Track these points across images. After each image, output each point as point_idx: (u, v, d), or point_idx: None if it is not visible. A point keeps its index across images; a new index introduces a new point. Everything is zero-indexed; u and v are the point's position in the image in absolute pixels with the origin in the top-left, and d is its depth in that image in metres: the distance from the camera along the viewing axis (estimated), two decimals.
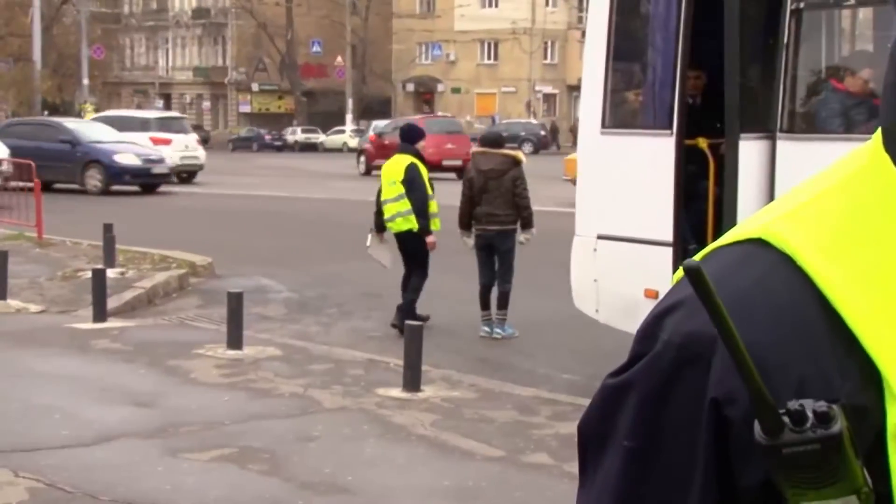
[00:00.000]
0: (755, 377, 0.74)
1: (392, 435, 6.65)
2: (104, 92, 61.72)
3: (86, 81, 44.80)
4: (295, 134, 62.85)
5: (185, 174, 30.24)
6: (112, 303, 10.55)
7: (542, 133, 52.13)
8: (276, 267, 13.89)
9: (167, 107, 72.30)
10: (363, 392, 7.61)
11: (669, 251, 7.39)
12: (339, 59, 61.38)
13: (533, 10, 62.64)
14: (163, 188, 26.61)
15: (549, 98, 65.54)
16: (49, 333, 9.54)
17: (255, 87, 72.74)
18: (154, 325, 10.43)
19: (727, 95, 7.20)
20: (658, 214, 7.48)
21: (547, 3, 63.98)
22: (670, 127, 7.54)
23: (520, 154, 10.71)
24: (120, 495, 5.53)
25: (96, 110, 39.59)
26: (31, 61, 39.17)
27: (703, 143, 7.65)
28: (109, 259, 12.69)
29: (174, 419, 6.88)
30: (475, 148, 10.61)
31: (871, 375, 0.78)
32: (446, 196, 10.23)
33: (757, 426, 0.75)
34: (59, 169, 25.11)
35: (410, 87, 67.71)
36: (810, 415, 0.74)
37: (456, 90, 65.54)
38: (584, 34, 9.06)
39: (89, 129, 27.89)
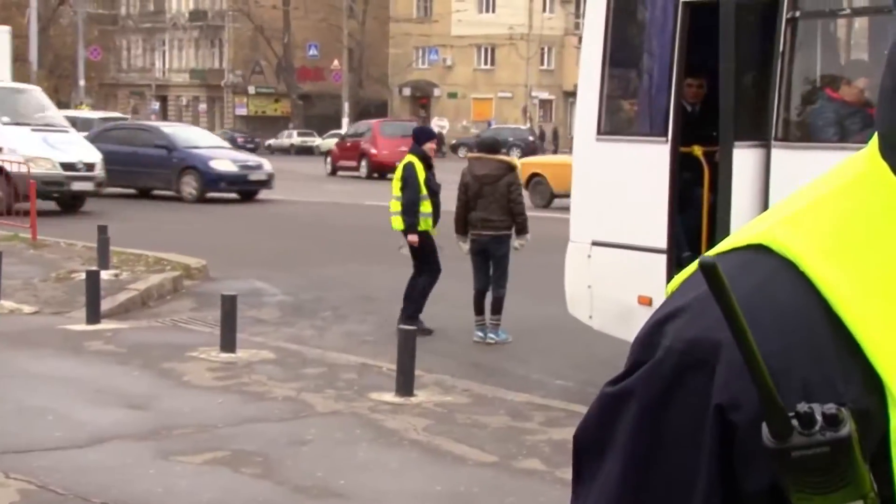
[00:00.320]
0: (767, 379, 0.74)
1: (385, 439, 6.65)
2: (100, 94, 61.67)
3: (82, 83, 44.74)
4: (291, 137, 62.86)
5: None
6: (106, 304, 10.55)
7: (531, 139, 52.23)
8: (271, 270, 13.89)
9: (163, 109, 72.33)
10: (356, 396, 7.62)
11: (664, 258, 7.41)
12: (336, 62, 61.39)
13: (530, 15, 62.70)
14: (262, 195, 25.37)
15: (545, 104, 65.59)
16: (42, 335, 9.54)
17: (251, 89, 72.75)
18: (148, 327, 10.42)
19: (722, 103, 7.21)
20: (653, 221, 7.50)
21: (544, 9, 64.06)
22: (665, 134, 7.56)
23: (515, 160, 10.74)
24: (112, 497, 5.53)
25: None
26: (28, 62, 39.11)
27: (697, 150, 7.67)
28: (103, 261, 12.68)
29: (167, 422, 6.88)
30: (471, 153, 10.63)
31: (873, 380, 0.78)
32: (443, 201, 10.20)
33: (765, 429, 0.75)
34: (155, 175, 24.63)
35: (407, 91, 67.74)
36: (819, 417, 0.74)
37: (452, 95, 65.59)
38: (580, 40, 9.08)
39: (186, 133, 27.11)
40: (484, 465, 6.24)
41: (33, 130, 20.12)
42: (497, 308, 9.96)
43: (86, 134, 25.37)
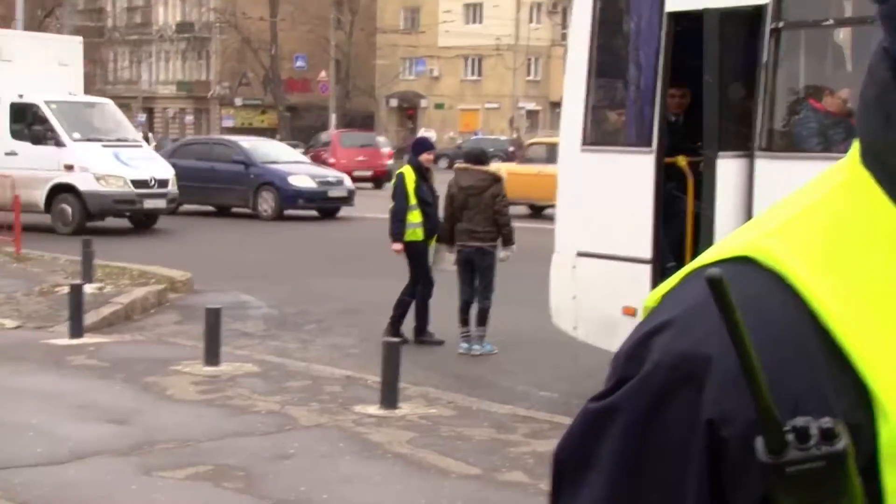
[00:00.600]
0: (766, 395, 0.73)
1: (368, 452, 6.61)
2: None
3: None
4: None
5: None
6: (89, 318, 10.50)
7: (511, 149, 52.30)
8: (256, 282, 13.86)
9: (150, 121, 72.17)
10: (340, 409, 7.58)
11: (648, 269, 7.40)
12: (323, 73, 61.39)
13: (517, 26, 62.81)
14: (343, 212, 24.31)
15: (532, 114, 65.68)
16: (25, 349, 9.48)
17: (238, 101, 72.65)
18: (131, 341, 10.37)
19: (706, 114, 7.22)
20: (637, 232, 7.49)
21: (531, 20, 64.18)
22: (650, 144, 7.56)
23: (500, 170, 10.73)
24: None
25: None
26: None
27: (682, 161, 7.66)
28: (87, 274, 12.62)
29: (149, 437, 6.83)
30: (458, 164, 10.64)
31: (864, 394, 0.78)
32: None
33: (760, 444, 0.73)
34: (232, 192, 23.68)
35: (394, 102, 67.77)
36: (815, 431, 0.72)
37: (439, 106, 65.63)
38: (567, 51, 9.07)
39: (264, 147, 25.88)
40: (467, 477, 6.21)
41: (105, 146, 19.61)
42: (483, 319, 9.94)
43: (165, 149, 25.08)
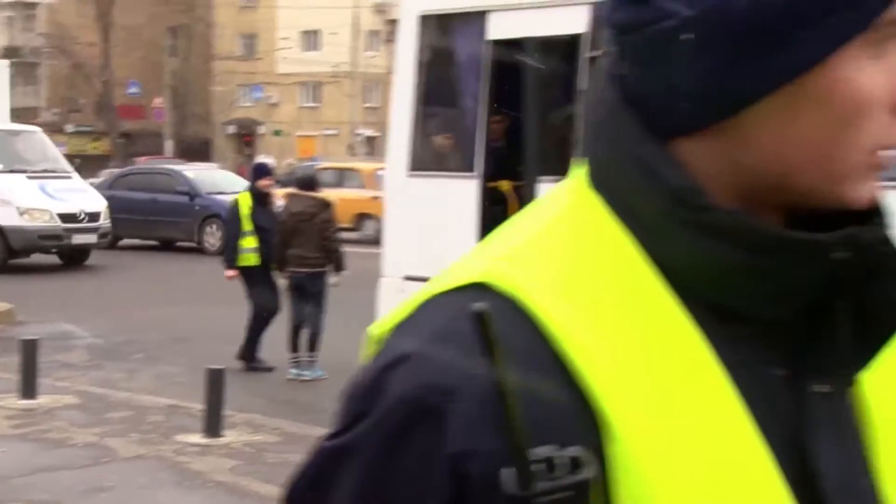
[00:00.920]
0: (519, 429, 0.72)
1: (189, 482, 6.46)
2: None
3: None
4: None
5: None
6: None
7: (282, 174, 51.92)
8: (81, 312, 13.44)
9: None
10: (162, 439, 7.39)
11: None
12: (158, 100, 60.35)
13: (354, 54, 62.97)
14: None
15: (370, 140, 65.87)
16: None
17: (69, 128, 70.76)
18: None
19: (526, 140, 7.34)
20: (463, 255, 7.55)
21: (367, 48, 64.45)
22: (474, 170, 7.64)
23: (330, 197, 10.69)
24: None
25: None
26: None
27: (505, 185, 7.77)
28: None
29: None
30: (288, 190, 10.59)
31: (602, 419, 0.77)
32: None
33: (509, 477, 0.72)
34: (176, 225, 21.98)
35: (231, 129, 67.02)
36: (564, 461, 0.72)
37: (277, 132, 65.19)
38: None
39: (211, 177, 24.13)
40: None
41: (30, 177, 18.01)
42: (313, 345, 9.86)
43: (101, 180, 23.13)
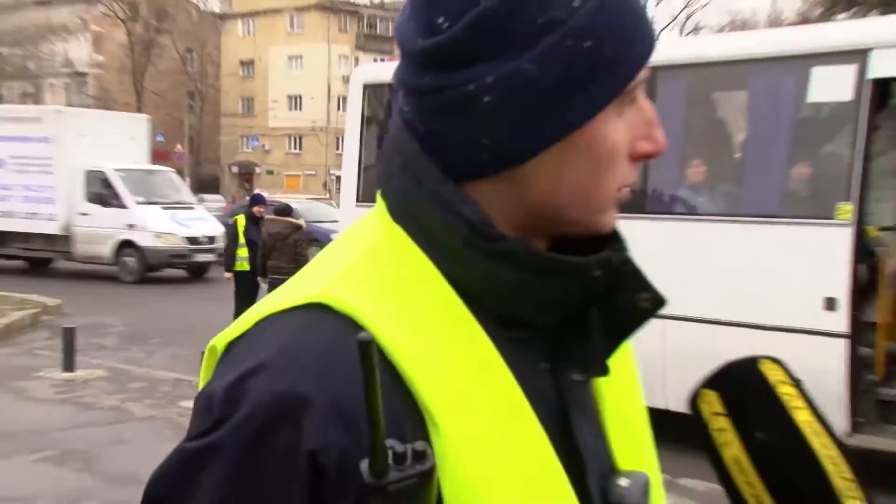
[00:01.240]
0: (381, 429, 0.65)
1: None
2: None
3: None
4: None
5: None
6: None
7: (231, 202, 50.53)
8: (118, 308, 13.21)
9: None
10: (169, 404, 7.29)
11: None
12: (179, 146, 59.63)
13: (328, 112, 62.74)
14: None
15: (341, 179, 65.55)
16: None
17: None
18: (8, 354, 9.69)
19: None
20: None
21: (338, 108, 64.22)
22: None
23: (301, 221, 10.65)
24: None
25: None
26: None
27: None
28: None
29: (5, 428, 6.38)
30: (267, 216, 10.56)
31: (427, 414, 0.72)
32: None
33: (366, 468, 0.65)
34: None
35: (235, 169, 66.41)
36: (409, 454, 0.67)
37: (270, 172, 64.69)
38: None
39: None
40: None
41: (164, 209, 17.64)
42: None
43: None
